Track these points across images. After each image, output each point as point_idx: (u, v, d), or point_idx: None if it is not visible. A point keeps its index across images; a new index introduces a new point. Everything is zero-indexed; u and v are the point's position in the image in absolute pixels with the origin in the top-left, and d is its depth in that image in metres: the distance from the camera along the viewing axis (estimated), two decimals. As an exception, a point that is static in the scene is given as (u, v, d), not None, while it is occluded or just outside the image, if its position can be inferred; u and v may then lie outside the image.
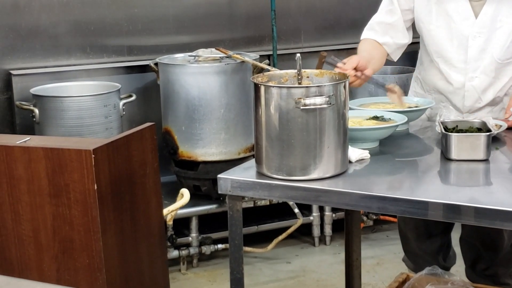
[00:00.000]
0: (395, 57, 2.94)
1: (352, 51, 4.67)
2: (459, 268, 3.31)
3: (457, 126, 2.46)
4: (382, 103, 2.85)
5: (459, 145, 2.32)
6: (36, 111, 3.74)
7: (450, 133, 2.35)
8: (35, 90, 3.83)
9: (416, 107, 2.74)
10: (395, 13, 2.87)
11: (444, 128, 2.41)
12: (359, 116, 2.59)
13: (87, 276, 2.31)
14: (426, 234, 3.09)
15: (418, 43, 2.98)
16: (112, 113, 3.78)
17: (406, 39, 2.91)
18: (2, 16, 3.97)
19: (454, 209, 2.00)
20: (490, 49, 2.75)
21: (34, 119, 3.75)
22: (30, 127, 3.83)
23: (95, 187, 2.25)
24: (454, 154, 2.33)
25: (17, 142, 2.38)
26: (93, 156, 2.23)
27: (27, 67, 4.02)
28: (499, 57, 2.76)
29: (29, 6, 4.00)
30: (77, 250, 2.31)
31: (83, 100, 3.71)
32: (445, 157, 2.36)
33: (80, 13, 4.10)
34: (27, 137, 2.46)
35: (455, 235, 3.19)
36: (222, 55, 3.93)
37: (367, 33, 2.94)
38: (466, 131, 2.42)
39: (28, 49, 4.03)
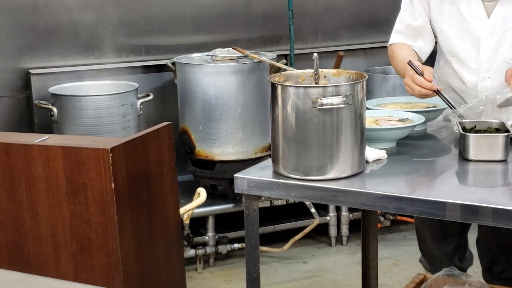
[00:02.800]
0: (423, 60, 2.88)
1: (370, 51, 4.71)
2: (476, 270, 3.28)
3: (475, 126, 2.44)
4: (399, 103, 2.83)
5: (477, 146, 2.31)
6: (55, 110, 3.76)
7: (468, 133, 2.33)
8: (53, 89, 3.85)
9: (434, 107, 2.73)
10: (420, 14, 2.83)
11: (462, 128, 2.39)
12: (376, 116, 2.58)
13: (104, 275, 2.32)
14: (442, 234, 3.08)
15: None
16: (129, 112, 3.80)
17: (432, 43, 2.86)
18: (21, 16, 3.99)
19: (471, 210, 1.99)
20: (501, 50, 2.72)
21: (53, 118, 3.77)
22: (49, 126, 3.86)
23: (113, 186, 2.25)
24: (472, 155, 2.31)
25: (36, 141, 2.39)
26: (110, 155, 2.24)
27: (46, 66, 4.04)
28: (510, 57, 2.73)
29: (47, 5, 4.02)
30: (94, 249, 2.32)
31: (101, 99, 3.73)
32: (463, 157, 2.34)
33: (98, 12, 4.12)
34: (45, 136, 2.47)
35: (472, 236, 3.17)
36: (239, 54, 3.94)
37: (397, 37, 2.86)
38: (484, 131, 2.40)
39: (46, 48, 4.05)
